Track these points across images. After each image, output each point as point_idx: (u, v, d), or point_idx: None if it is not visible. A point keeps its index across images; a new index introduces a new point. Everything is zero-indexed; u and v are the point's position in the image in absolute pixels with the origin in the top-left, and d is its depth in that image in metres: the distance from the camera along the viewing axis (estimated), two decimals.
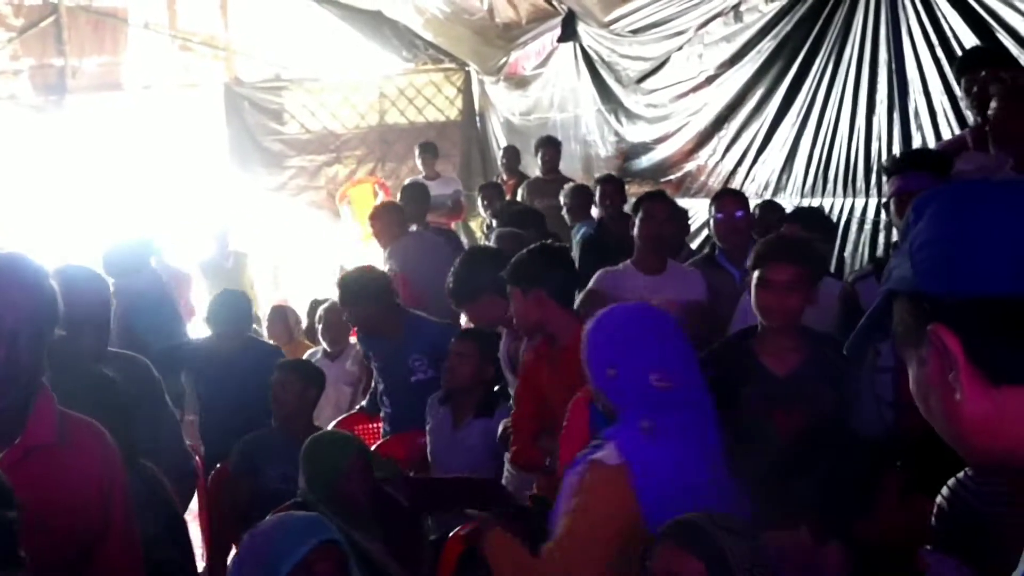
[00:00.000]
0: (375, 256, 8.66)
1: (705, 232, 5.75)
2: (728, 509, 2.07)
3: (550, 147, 7.69)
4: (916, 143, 4.88)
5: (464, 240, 7.88)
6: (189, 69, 10.18)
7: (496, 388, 4.01)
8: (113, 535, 2.00)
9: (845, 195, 5.52)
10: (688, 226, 5.66)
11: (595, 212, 6.23)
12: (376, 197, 9.38)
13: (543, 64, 9.08)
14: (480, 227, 8.30)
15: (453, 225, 8.41)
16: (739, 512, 2.11)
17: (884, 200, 4.24)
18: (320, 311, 5.68)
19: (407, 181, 7.62)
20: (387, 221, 6.16)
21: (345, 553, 2.40)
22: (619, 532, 2.16)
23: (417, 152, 8.62)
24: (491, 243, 5.37)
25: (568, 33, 8.45)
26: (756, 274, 2.94)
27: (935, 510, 1.99)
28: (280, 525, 2.44)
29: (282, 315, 6.47)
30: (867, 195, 5.36)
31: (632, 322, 2.43)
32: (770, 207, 5.15)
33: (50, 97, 9.86)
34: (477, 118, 10.56)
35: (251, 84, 10.16)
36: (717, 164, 6.74)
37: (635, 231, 4.36)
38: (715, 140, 6.76)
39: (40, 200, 9.26)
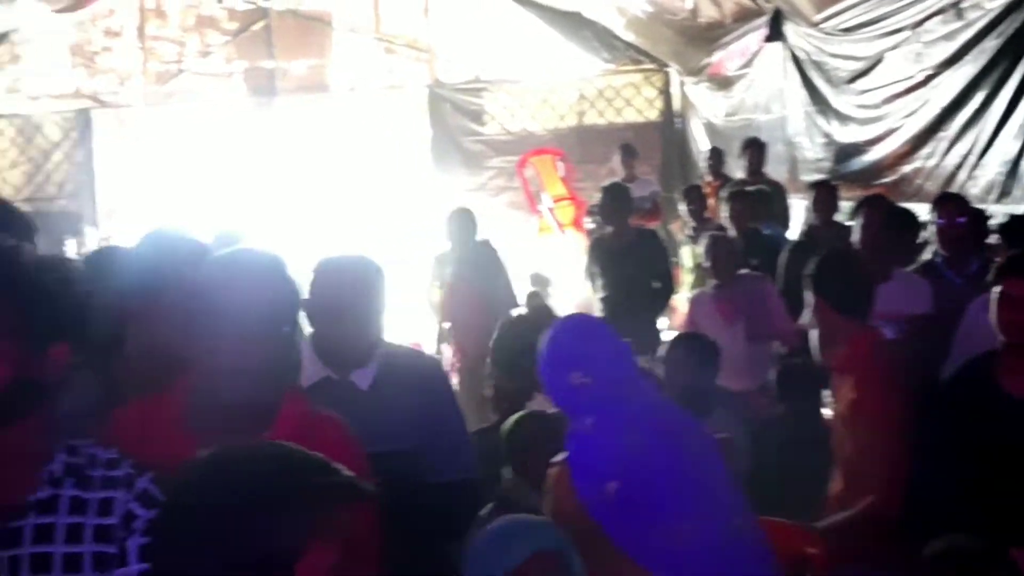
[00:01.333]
0: (563, 247, 9.71)
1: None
2: (704, 492, 2.54)
3: (755, 149, 8.32)
4: None
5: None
6: (392, 71, 11.46)
7: None
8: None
9: None
10: (918, 231, 5.69)
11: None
12: (557, 169, 10.32)
13: (748, 64, 9.80)
14: (680, 230, 9.10)
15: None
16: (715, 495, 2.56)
17: None
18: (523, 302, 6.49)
19: (607, 182, 8.26)
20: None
21: (566, 562, 2.51)
22: (566, 526, 2.54)
23: (618, 153, 9.46)
24: (700, 246, 6.10)
25: (775, 32, 9.20)
26: (997, 289, 3.04)
27: None
28: (502, 528, 2.58)
29: None
30: None
31: (557, 333, 2.82)
32: (978, 216, 5.30)
33: (261, 98, 11.43)
34: (676, 120, 11.37)
35: (452, 86, 11.32)
36: (935, 168, 7.21)
37: (854, 237, 4.69)
38: (933, 143, 7.24)
39: (251, 197, 10.57)
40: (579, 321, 3.09)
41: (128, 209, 10.92)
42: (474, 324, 6.20)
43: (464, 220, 7.25)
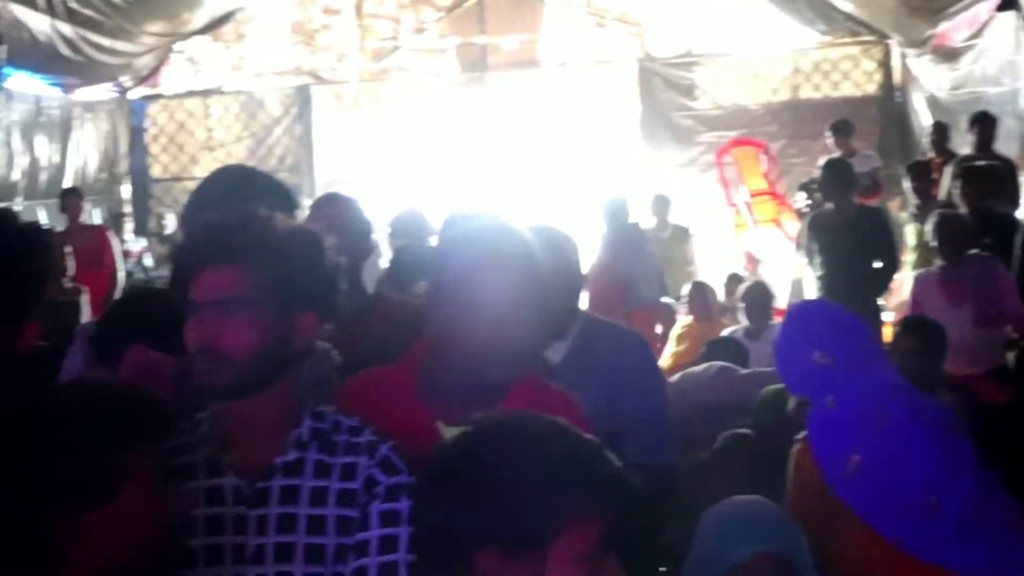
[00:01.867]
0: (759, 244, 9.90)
1: None
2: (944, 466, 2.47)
3: (986, 124, 8.29)
4: None
5: None
6: (603, 46, 11.84)
7: None
8: None
9: None
10: None
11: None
12: (760, 163, 10.41)
13: (976, 35, 9.71)
14: (902, 207, 9.18)
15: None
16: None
17: None
18: (742, 289, 6.67)
19: (827, 157, 8.29)
20: None
21: (795, 569, 2.47)
22: (810, 501, 2.57)
23: (830, 134, 9.52)
24: (925, 224, 6.10)
25: (1008, 1, 9.12)
26: None
27: None
28: (736, 517, 2.56)
29: (702, 291, 7.46)
30: None
31: (796, 315, 2.99)
32: None
33: (472, 74, 12.03)
34: (897, 93, 11.38)
35: (663, 60, 11.65)
36: None
37: None
38: None
39: (463, 170, 11.23)
40: (818, 303, 3.29)
41: (345, 181, 11.56)
42: (613, 310, 6.29)
43: (616, 206, 7.53)
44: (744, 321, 6.58)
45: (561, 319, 2.85)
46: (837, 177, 7.16)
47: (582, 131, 11.60)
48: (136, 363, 2.33)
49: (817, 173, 7.73)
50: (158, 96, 12.46)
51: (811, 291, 7.21)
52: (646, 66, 11.60)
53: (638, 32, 11.83)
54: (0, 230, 2.55)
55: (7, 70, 9.66)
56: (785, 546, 2.47)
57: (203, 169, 11.45)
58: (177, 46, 12.30)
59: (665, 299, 7.81)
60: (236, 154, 12.16)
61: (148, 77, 12.23)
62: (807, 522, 2.54)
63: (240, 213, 2.17)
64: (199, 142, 12.51)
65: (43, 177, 10.79)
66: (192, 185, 5.71)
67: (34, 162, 10.70)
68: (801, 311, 3.09)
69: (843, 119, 9.80)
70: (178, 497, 1.89)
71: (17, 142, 10.44)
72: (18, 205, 9.72)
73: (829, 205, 7.21)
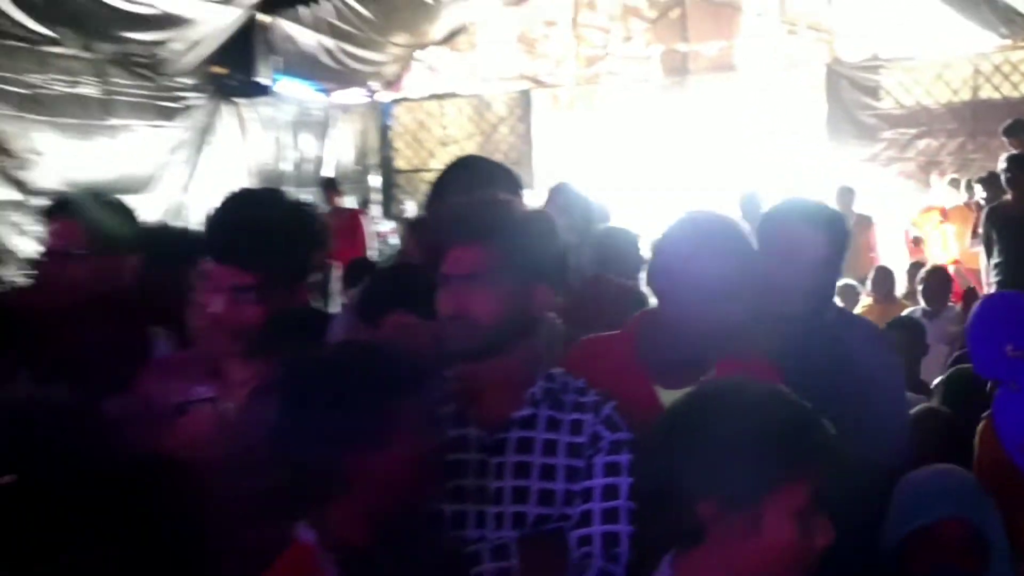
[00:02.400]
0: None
1: None
2: None
3: None
4: None
5: None
6: (794, 51, 12.16)
7: None
8: None
9: None
10: None
11: None
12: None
13: None
14: None
15: None
16: None
17: None
18: (922, 273, 6.98)
19: (1009, 153, 8.27)
20: None
21: (983, 537, 2.38)
22: (993, 476, 2.61)
23: (1005, 136, 9.26)
24: None
25: None
26: None
27: None
28: (931, 480, 2.52)
29: (884, 275, 7.82)
30: None
31: (989, 307, 2.97)
32: None
33: (674, 78, 12.52)
34: None
35: (850, 64, 11.92)
36: None
37: None
38: None
39: (664, 170, 11.68)
40: (1013, 295, 3.20)
41: (560, 173, 11.65)
42: None
43: (750, 199, 7.79)
44: (923, 303, 6.76)
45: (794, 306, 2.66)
46: (1018, 169, 7.36)
47: (772, 129, 11.88)
48: (397, 326, 2.47)
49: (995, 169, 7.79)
50: (402, 99, 13.12)
51: (987, 277, 7.43)
52: (834, 69, 11.89)
53: (827, 38, 12.08)
54: (281, 205, 2.55)
55: (279, 77, 10.45)
56: (975, 515, 2.41)
57: (439, 162, 11.96)
58: (418, 55, 12.90)
59: (848, 281, 8.01)
60: (467, 149, 12.52)
61: (394, 83, 12.89)
62: (992, 495, 2.49)
63: (484, 198, 2.26)
64: (436, 138, 13.17)
65: (307, 168, 11.53)
66: (430, 176, 6.07)
67: (300, 155, 11.37)
68: (996, 301, 3.28)
69: (1016, 120, 10.13)
70: (435, 444, 1.96)
71: (287, 138, 11.25)
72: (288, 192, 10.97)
73: (1007, 197, 7.39)
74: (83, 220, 3.04)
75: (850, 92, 11.94)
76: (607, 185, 9.84)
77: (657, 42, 12.71)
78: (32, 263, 6.29)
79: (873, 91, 11.93)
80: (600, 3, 12.91)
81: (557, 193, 4.61)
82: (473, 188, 2.56)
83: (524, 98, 12.96)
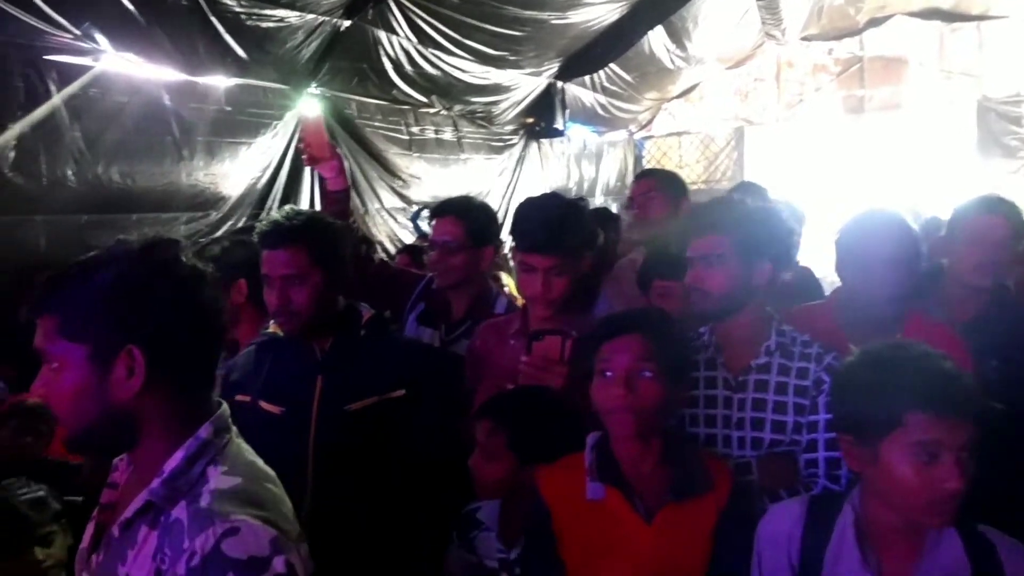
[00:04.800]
0: None
1: None
2: None
3: None
4: None
5: None
6: (949, 91, 11.53)
7: None
8: None
9: None
10: None
11: None
12: None
13: None
14: None
15: None
16: None
17: None
18: None
19: None
20: None
21: None
22: None
23: None
24: None
25: None
26: None
27: None
28: None
29: None
30: None
31: None
32: None
33: (853, 116, 12.02)
34: None
35: (997, 100, 11.21)
36: None
37: None
38: None
39: (846, 187, 10.93)
40: None
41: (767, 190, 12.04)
42: None
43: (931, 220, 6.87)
44: None
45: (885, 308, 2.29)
46: None
47: (932, 153, 11.30)
48: (659, 290, 2.49)
49: None
50: (650, 136, 13.07)
51: None
52: (983, 104, 11.25)
53: (978, 81, 11.45)
54: (564, 205, 2.29)
55: (569, 123, 10.77)
56: None
57: None
58: (663, 106, 12.89)
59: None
60: (695, 170, 12.53)
61: (645, 125, 12.85)
62: None
63: (722, 198, 2.24)
64: (673, 164, 12.79)
65: (586, 186, 11.63)
66: None
67: (581, 177, 11.32)
68: None
69: None
70: (689, 381, 1.88)
71: (573, 166, 11.21)
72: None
73: None
74: (463, 220, 2.86)
75: (997, 122, 11.22)
76: (803, 198, 9.47)
77: (840, 88, 12.30)
78: (409, 249, 7.25)
79: (1016, 119, 11.14)
80: (798, 63, 12.57)
81: (744, 190, 4.19)
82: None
83: (739, 134, 12.56)
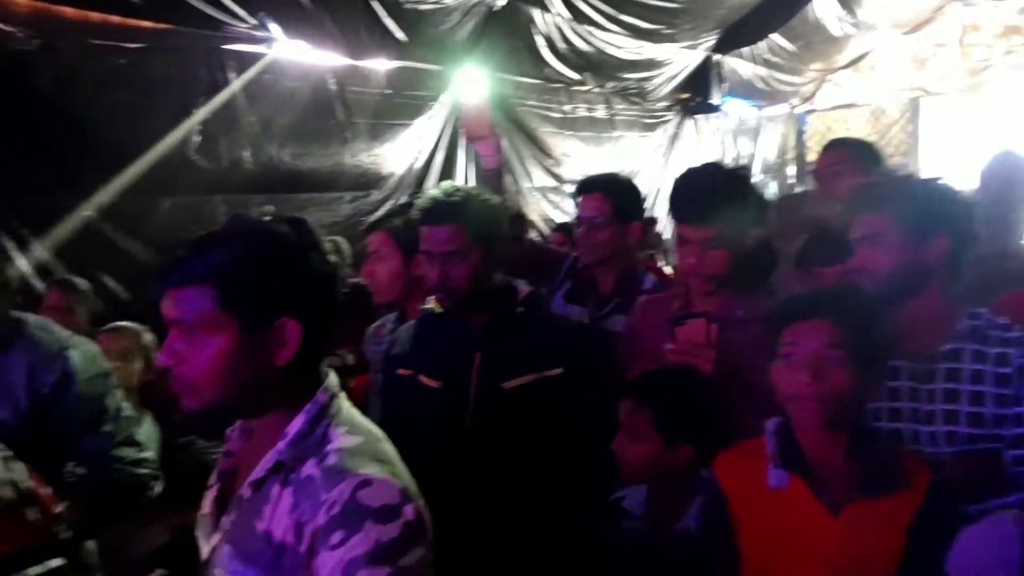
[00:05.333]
0: None
1: None
2: None
3: None
4: None
5: None
6: None
7: None
8: None
9: None
10: None
11: None
12: None
13: None
14: None
15: None
16: None
17: None
18: None
19: None
20: None
21: None
22: None
23: None
24: None
25: None
26: None
27: None
28: None
29: None
30: None
31: None
32: None
33: None
34: None
35: None
36: None
37: None
38: None
39: None
40: None
41: (943, 167, 10.84)
42: None
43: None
44: None
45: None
46: None
47: None
48: (837, 274, 2.31)
49: None
50: (813, 110, 12.65)
51: None
52: None
53: None
54: (724, 176, 2.24)
55: (726, 98, 10.56)
56: None
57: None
58: (828, 77, 12.43)
59: None
60: None
61: (809, 98, 12.47)
62: None
63: (880, 177, 2.21)
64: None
65: (743, 163, 11.12)
66: None
67: (738, 154, 11.01)
68: None
69: None
70: (884, 369, 1.79)
71: (729, 142, 11.06)
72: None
73: None
74: (609, 195, 2.86)
75: None
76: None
77: None
78: (563, 227, 7.32)
79: None
80: (984, 26, 11.70)
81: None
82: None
83: (913, 105, 11.96)
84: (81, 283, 3.88)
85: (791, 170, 13.05)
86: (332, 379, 1.36)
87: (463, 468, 2.04)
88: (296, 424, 1.28)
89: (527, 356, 2.12)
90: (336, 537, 1.17)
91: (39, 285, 4.55)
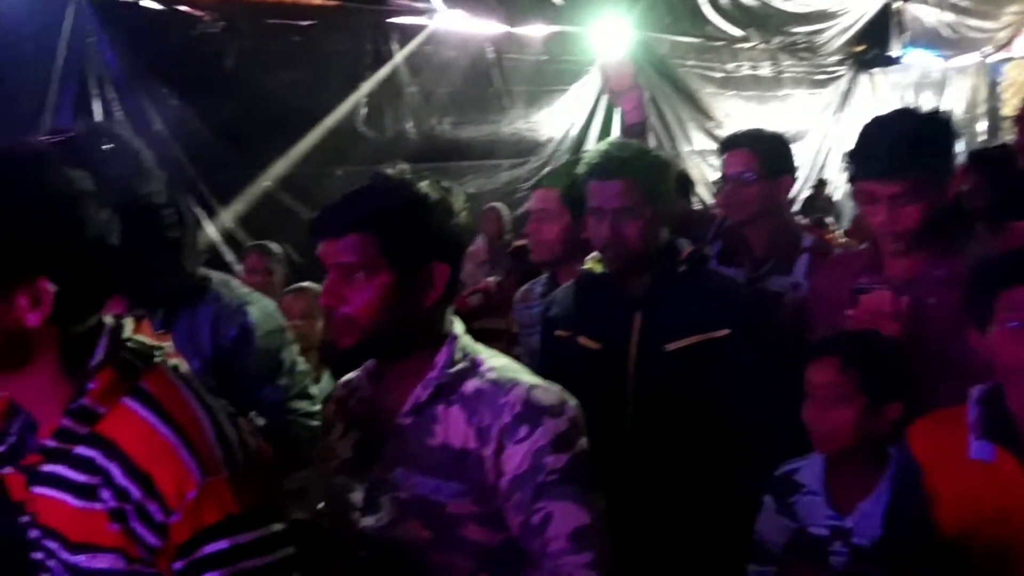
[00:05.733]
0: None
1: None
2: None
3: None
4: None
5: None
6: None
7: None
8: None
9: None
10: None
11: None
12: None
13: None
14: None
15: None
16: None
17: None
18: None
19: None
20: None
21: None
22: None
23: None
24: None
25: None
26: None
27: None
28: None
29: None
30: None
31: None
32: None
33: None
34: None
35: None
36: None
37: None
38: None
39: None
40: None
41: None
42: None
43: None
44: None
45: None
46: None
47: None
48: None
49: None
50: (1010, 59, 11.89)
51: None
52: None
53: None
54: (915, 120, 2.00)
55: (907, 49, 10.07)
56: None
57: None
58: None
59: None
60: None
61: (1004, 45, 11.70)
62: None
63: None
64: None
65: None
66: None
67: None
68: None
69: None
70: None
71: (909, 97, 10.43)
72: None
73: None
74: (755, 150, 2.66)
75: None
76: None
77: None
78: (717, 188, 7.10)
79: None
80: None
81: None
82: None
83: None
84: (275, 247, 4.17)
85: (981, 126, 12.22)
86: (457, 321, 1.46)
87: (623, 431, 2.01)
88: (443, 355, 1.40)
89: (691, 317, 2.03)
90: (522, 432, 1.32)
91: (226, 251, 4.95)
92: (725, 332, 2.01)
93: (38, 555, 1.10)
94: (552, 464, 1.32)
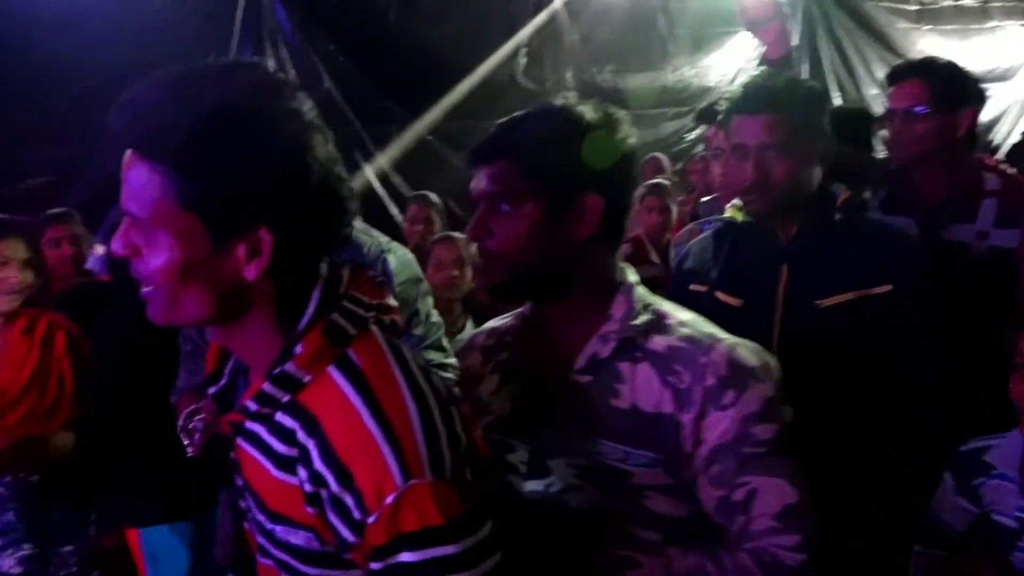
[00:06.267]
0: None
1: None
2: None
3: None
4: None
5: None
6: None
7: None
8: None
9: None
10: None
11: None
12: None
13: None
14: None
15: None
16: None
17: None
18: None
19: None
20: None
21: None
22: None
23: None
24: None
25: None
26: None
27: None
28: None
29: None
30: None
31: None
32: None
33: None
34: None
35: None
36: None
37: None
38: None
39: None
40: None
41: None
42: None
43: None
44: None
45: None
46: None
47: None
48: None
49: None
50: None
51: None
52: None
53: None
54: None
55: None
56: None
57: None
58: None
59: None
60: None
61: None
62: None
63: None
64: None
65: None
66: None
67: None
68: None
69: None
70: None
71: None
72: None
73: None
74: (927, 81, 2.41)
75: None
76: None
77: None
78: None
79: None
80: None
81: None
82: None
83: None
84: (434, 197, 4.27)
85: None
86: (630, 268, 1.34)
87: None
88: (621, 305, 1.28)
89: (847, 271, 1.84)
90: (728, 397, 1.22)
91: (389, 203, 5.15)
92: (887, 288, 1.82)
93: (244, 503, 1.08)
94: (760, 434, 1.22)
